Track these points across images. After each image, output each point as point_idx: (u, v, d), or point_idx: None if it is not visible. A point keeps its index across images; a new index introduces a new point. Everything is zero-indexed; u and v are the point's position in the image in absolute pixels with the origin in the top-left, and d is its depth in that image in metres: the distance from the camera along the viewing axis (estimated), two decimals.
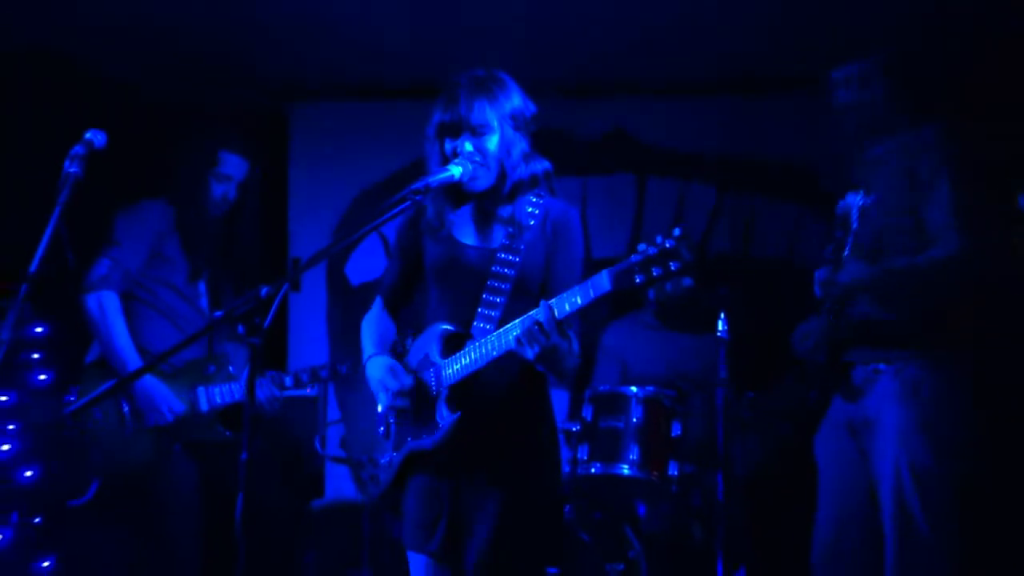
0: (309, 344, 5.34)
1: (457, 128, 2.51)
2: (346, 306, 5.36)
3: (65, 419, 3.56)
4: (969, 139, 3.25)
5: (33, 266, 2.43)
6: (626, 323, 4.75)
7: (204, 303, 3.83)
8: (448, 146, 2.53)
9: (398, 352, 2.71)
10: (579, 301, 2.25)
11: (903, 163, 3.20)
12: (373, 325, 2.77)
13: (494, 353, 2.39)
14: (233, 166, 3.81)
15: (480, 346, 2.43)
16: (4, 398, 3.68)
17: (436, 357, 2.54)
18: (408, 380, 2.56)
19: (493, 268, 2.54)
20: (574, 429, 3.99)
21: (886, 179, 3.23)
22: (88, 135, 2.63)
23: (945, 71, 4.00)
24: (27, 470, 3.65)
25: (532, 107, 2.61)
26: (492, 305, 2.51)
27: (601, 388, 4.08)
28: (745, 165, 5.18)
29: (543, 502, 2.55)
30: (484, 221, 2.62)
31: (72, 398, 3.62)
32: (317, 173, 5.39)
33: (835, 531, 3.25)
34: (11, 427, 3.69)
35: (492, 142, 2.52)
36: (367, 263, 5.38)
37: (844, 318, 3.21)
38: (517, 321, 2.32)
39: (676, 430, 3.93)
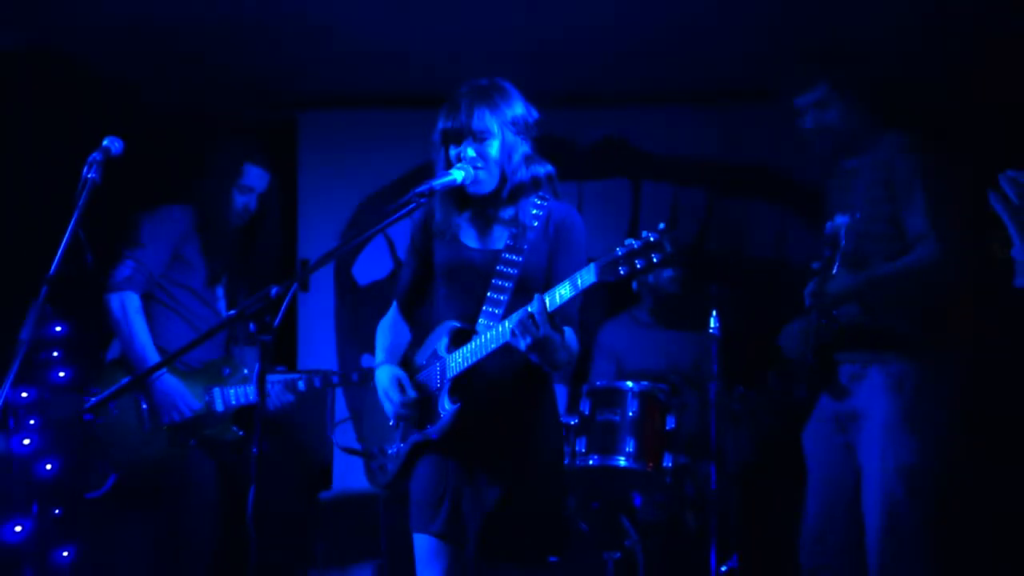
0: (317, 342, 5.36)
1: (460, 135, 2.57)
2: (353, 305, 5.37)
3: (83, 414, 3.58)
4: (937, 145, 3.28)
5: (53, 268, 2.43)
6: (622, 321, 4.77)
7: (222, 306, 3.85)
8: (452, 152, 2.59)
9: (407, 358, 2.75)
10: (567, 292, 2.30)
11: (878, 175, 3.26)
12: (387, 331, 2.81)
13: (492, 345, 2.44)
14: (255, 178, 3.83)
15: (480, 340, 2.48)
16: (25, 395, 3.70)
17: (443, 352, 2.60)
18: (412, 393, 2.60)
19: (497, 268, 2.58)
20: (572, 423, 3.99)
21: (863, 190, 3.28)
22: (106, 142, 2.64)
23: (905, 74, 3.97)
24: (47, 463, 3.70)
25: (534, 113, 2.65)
26: (496, 303, 2.55)
27: (598, 383, 4.09)
28: (735, 169, 5.19)
29: (545, 494, 2.58)
30: (487, 224, 2.66)
31: (94, 393, 3.62)
32: (325, 178, 5.40)
33: (822, 520, 3.31)
34: (32, 422, 3.71)
35: (493, 147, 2.57)
36: (374, 264, 5.38)
37: (832, 321, 3.27)
38: (514, 315, 2.37)
39: (670, 423, 3.94)
